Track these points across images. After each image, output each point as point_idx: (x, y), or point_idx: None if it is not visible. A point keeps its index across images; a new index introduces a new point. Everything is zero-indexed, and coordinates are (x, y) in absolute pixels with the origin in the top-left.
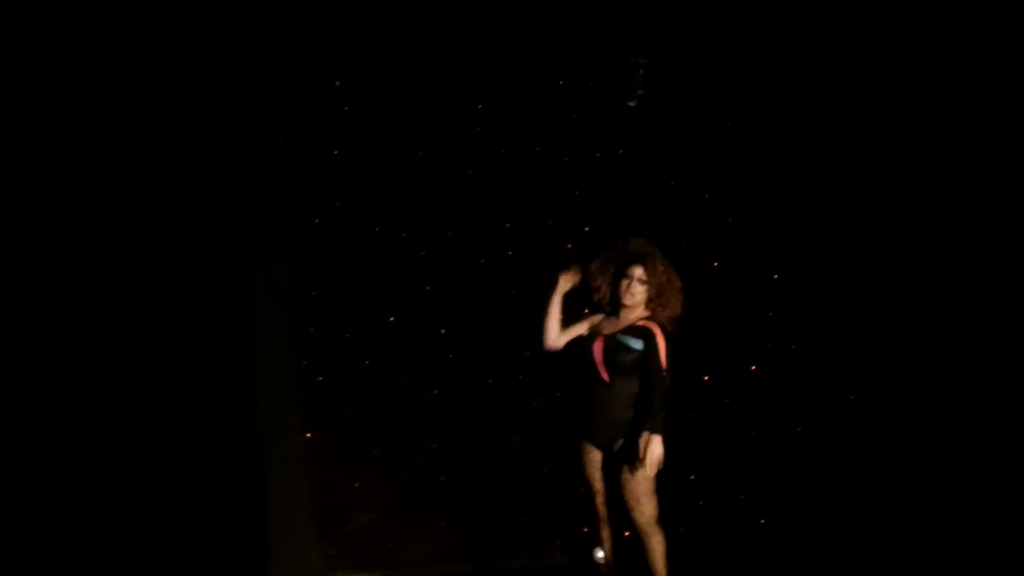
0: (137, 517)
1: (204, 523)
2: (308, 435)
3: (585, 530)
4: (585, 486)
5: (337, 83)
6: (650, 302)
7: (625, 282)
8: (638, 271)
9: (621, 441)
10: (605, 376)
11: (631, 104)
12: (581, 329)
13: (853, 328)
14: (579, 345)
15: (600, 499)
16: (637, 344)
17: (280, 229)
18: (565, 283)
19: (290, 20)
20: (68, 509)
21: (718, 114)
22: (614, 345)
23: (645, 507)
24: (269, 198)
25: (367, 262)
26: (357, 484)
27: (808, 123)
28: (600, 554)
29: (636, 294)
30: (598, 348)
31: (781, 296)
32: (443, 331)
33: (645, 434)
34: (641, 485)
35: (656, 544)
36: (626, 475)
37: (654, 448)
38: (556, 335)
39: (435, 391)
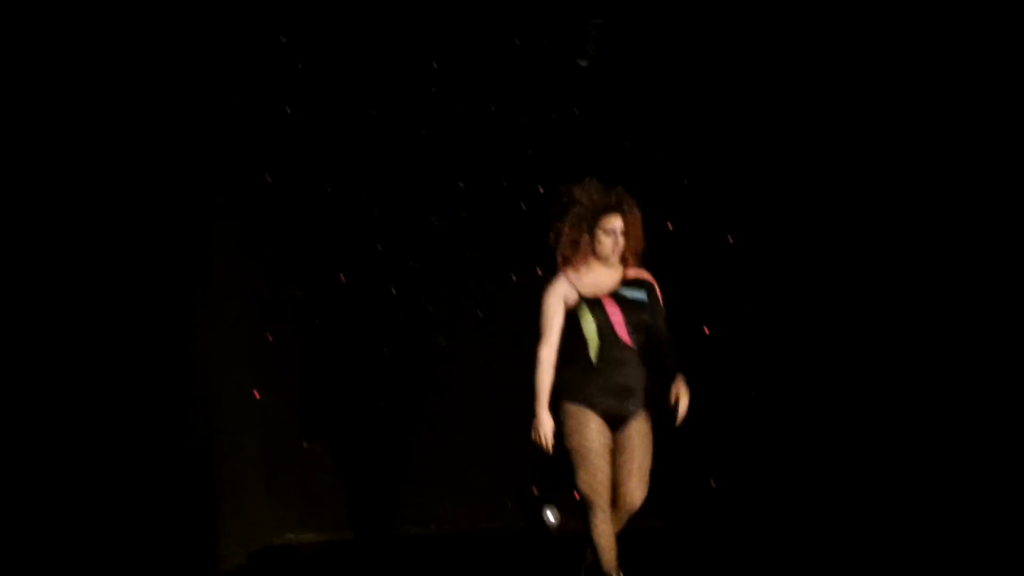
0: (85, 475)
1: (152, 482)
2: (257, 394)
3: (536, 492)
4: (584, 467)
5: (283, 39)
6: (626, 250)
7: (608, 238)
8: (618, 223)
9: (636, 413)
10: (629, 341)
11: (583, 64)
12: (561, 309)
13: (805, 292)
14: (571, 321)
15: (607, 482)
16: (643, 296)
17: (233, 188)
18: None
19: None
20: (16, 463)
21: (674, 75)
22: (626, 304)
23: (645, 489)
24: (222, 157)
25: (319, 221)
26: (308, 444)
27: (764, 82)
28: (551, 516)
29: (619, 248)
30: (615, 312)
31: (737, 259)
32: (394, 291)
33: (679, 385)
34: (646, 465)
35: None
36: (635, 453)
37: (686, 399)
38: (551, 351)
39: (386, 351)
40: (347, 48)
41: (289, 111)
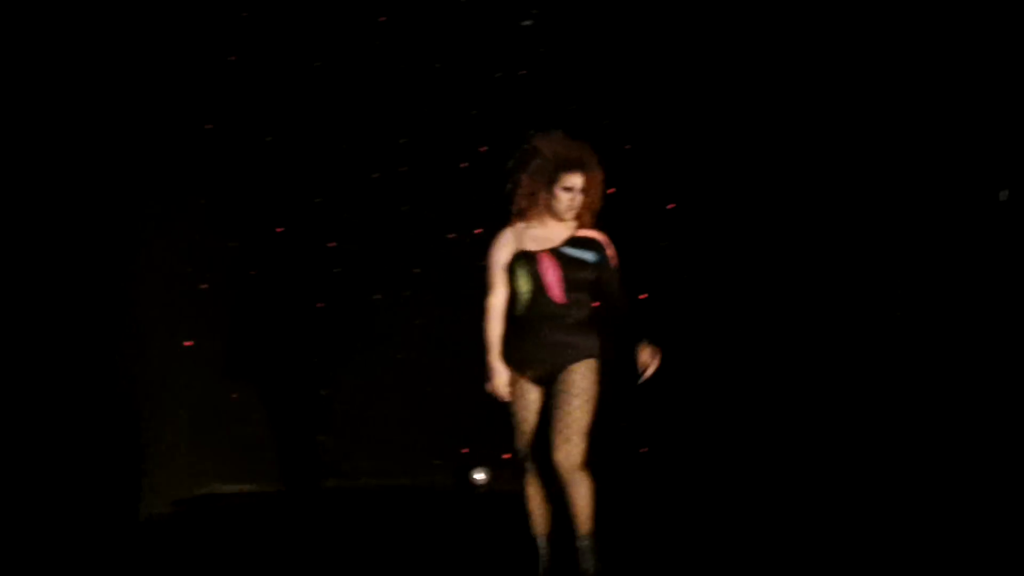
0: (4, 423)
1: (76, 429)
2: (188, 343)
3: (465, 451)
4: (516, 427)
5: None
6: (583, 208)
7: (566, 195)
8: (579, 180)
9: (571, 368)
10: (560, 297)
11: (526, 24)
12: (504, 260)
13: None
14: (508, 275)
15: (531, 442)
16: (590, 256)
17: (169, 135)
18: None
19: None
20: None
21: (621, 39)
22: (566, 261)
23: (580, 446)
24: (156, 107)
25: (257, 170)
26: (235, 395)
27: (706, 43)
28: (480, 475)
29: (577, 206)
30: (549, 267)
31: (675, 227)
32: (331, 244)
33: (645, 347)
34: (581, 421)
35: (585, 490)
36: (569, 408)
37: (655, 359)
38: (500, 301)
39: (320, 304)
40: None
41: (233, 58)
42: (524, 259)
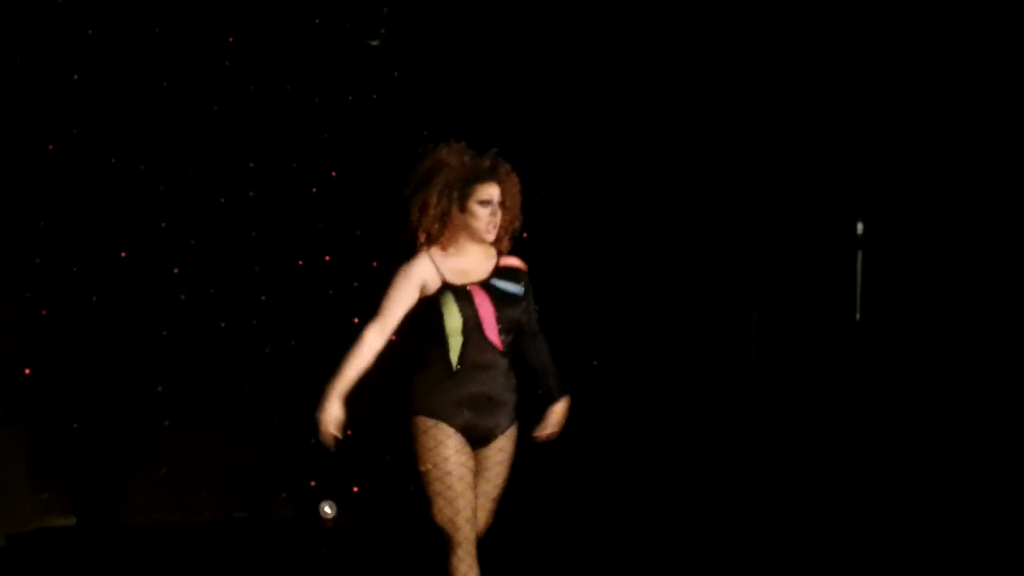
0: None
1: None
2: (27, 371)
3: (312, 484)
4: (447, 499)
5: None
6: (501, 228)
7: (485, 210)
8: (495, 191)
9: (507, 432)
10: (497, 340)
11: (374, 44)
12: (411, 294)
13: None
14: (428, 311)
15: (469, 512)
16: (517, 289)
17: (11, 154)
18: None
19: None
20: None
21: (476, 61)
22: (498, 296)
23: (495, 507)
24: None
25: (101, 193)
26: (76, 425)
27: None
28: (327, 509)
29: (498, 223)
30: (485, 305)
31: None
32: (176, 270)
33: (559, 404)
34: (503, 484)
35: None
36: (499, 480)
37: (558, 427)
38: (381, 337)
39: (164, 332)
40: (140, 16)
41: (76, 77)
42: (453, 293)
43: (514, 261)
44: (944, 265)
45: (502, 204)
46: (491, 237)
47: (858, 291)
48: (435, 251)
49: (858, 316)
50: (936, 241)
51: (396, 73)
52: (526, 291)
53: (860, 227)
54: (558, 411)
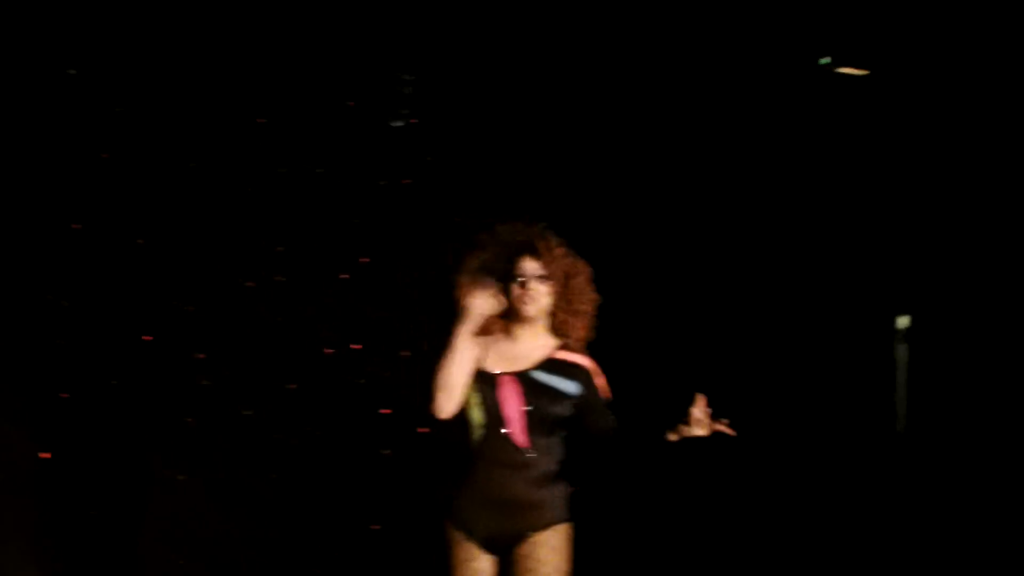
0: None
1: None
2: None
3: None
4: None
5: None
6: (559, 310)
7: (517, 285)
8: (531, 265)
9: (534, 539)
10: (522, 439)
11: (398, 125)
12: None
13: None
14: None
15: None
16: (569, 387)
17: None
18: (480, 310)
19: None
20: None
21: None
22: (536, 389)
23: None
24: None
25: (123, 275)
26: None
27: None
28: None
29: (538, 298)
30: (511, 396)
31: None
32: (200, 355)
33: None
34: None
35: None
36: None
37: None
38: (457, 396)
39: (189, 419)
40: (165, 98)
41: (107, 156)
42: (480, 381)
43: (575, 357)
44: None
45: (544, 278)
46: (530, 311)
47: None
48: (487, 339)
49: None
50: None
51: (429, 158)
52: (583, 391)
53: None
54: (698, 411)
